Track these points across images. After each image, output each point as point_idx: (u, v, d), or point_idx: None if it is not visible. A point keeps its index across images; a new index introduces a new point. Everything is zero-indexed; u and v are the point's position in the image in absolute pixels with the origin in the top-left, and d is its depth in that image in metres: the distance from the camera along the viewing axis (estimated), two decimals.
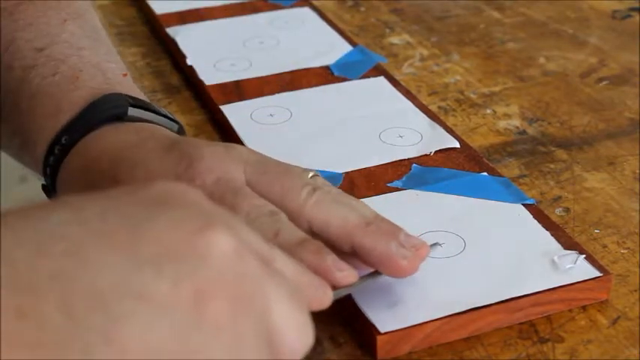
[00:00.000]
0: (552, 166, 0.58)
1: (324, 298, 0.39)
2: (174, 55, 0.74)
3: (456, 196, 0.52)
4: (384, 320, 0.43)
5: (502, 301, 0.44)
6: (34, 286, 0.26)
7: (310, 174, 0.45)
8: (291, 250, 0.39)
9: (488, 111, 0.65)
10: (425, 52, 0.75)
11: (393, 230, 0.43)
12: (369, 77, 0.67)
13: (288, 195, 0.44)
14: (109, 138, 0.49)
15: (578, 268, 0.46)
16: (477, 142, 0.61)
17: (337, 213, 0.43)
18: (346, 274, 0.41)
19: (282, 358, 0.32)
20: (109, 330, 0.26)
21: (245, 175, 0.44)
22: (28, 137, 0.51)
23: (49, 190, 0.51)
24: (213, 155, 0.45)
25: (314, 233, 0.43)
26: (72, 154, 0.49)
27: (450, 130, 0.59)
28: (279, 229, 0.42)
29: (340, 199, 0.44)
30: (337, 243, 0.43)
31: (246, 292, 0.31)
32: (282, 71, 0.68)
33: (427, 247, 0.43)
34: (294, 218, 0.43)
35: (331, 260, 0.41)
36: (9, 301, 0.25)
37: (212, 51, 0.71)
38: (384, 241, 0.42)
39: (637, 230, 0.52)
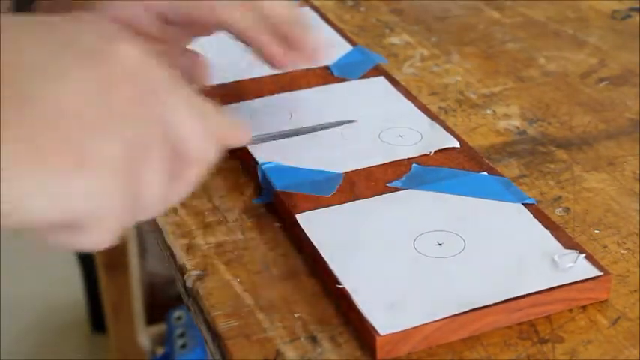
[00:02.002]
0: (552, 166, 0.58)
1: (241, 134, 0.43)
2: None
3: (456, 195, 0.52)
4: (384, 322, 0.43)
5: (502, 301, 0.44)
6: None
7: None
8: None
9: (489, 111, 0.65)
10: (425, 53, 0.75)
11: None
12: (369, 77, 0.67)
13: None
14: None
15: (578, 268, 0.46)
16: (476, 142, 0.61)
17: None
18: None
19: (186, 164, 0.38)
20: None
21: None
22: None
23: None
24: None
25: None
26: None
27: (449, 130, 0.59)
28: None
29: None
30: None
31: (149, 88, 0.37)
32: (281, 71, 0.68)
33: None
34: None
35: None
36: None
37: (211, 51, 0.71)
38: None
39: (637, 230, 0.52)
